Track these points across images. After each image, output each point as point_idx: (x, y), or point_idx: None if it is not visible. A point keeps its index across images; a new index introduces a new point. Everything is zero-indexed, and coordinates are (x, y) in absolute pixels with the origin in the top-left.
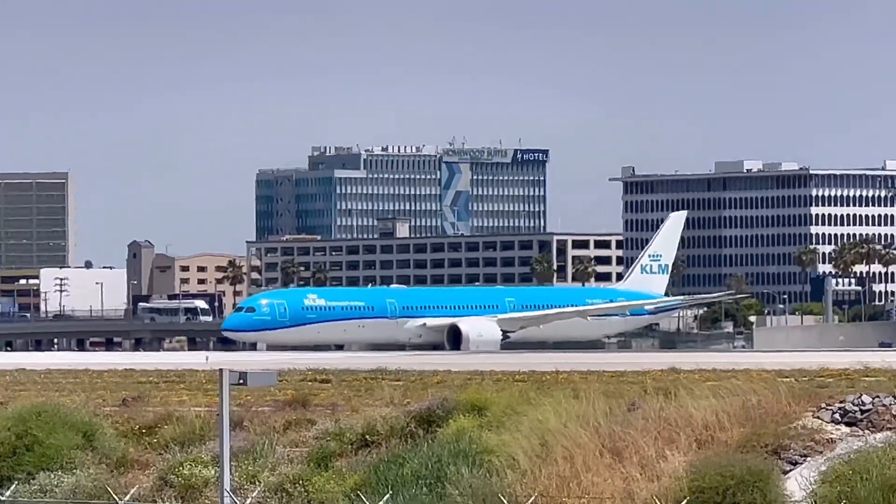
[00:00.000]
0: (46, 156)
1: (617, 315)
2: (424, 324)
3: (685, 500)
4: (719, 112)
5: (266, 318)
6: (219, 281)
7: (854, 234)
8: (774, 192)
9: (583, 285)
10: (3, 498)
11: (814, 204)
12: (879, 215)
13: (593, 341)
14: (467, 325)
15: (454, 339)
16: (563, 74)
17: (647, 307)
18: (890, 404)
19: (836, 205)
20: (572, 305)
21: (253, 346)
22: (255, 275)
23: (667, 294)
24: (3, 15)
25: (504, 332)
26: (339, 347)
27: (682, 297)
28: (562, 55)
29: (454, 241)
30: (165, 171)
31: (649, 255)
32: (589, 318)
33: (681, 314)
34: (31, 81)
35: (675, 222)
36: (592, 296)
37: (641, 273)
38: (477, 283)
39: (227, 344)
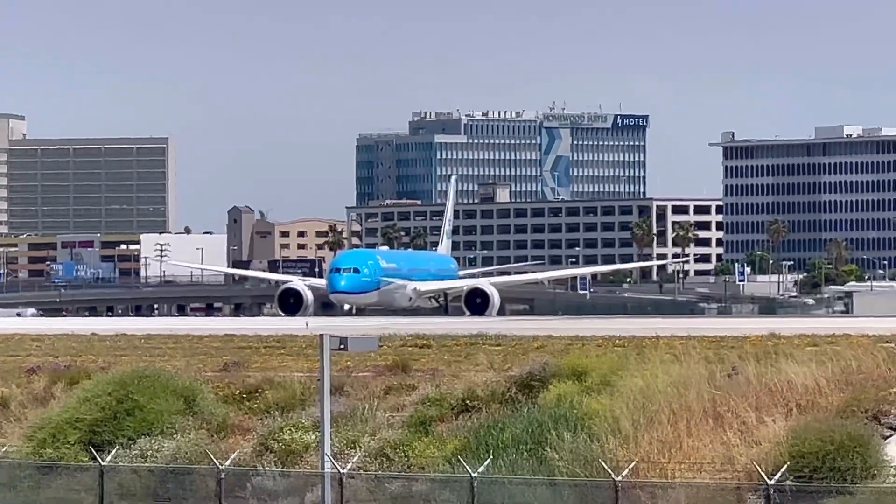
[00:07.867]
0: (147, 121)
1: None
2: (416, 288)
3: (785, 466)
4: (819, 77)
5: (367, 280)
6: (319, 246)
7: None
8: (874, 158)
9: (682, 249)
10: (104, 463)
11: None
12: None
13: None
14: (491, 289)
15: (473, 303)
16: (663, 39)
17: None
18: None
19: None
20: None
21: (348, 310)
22: (355, 240)
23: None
24: None
25: None
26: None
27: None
28: (661, 20)
29: (554, 207)
30: (266, 136)
31: (448, 221)
32: None
33: (780, 279)
34: (133, 48)
35: (453, 187)
36: (442, 261)
37: (447, 239)
38: (572, 248)
39: (326, 309)
